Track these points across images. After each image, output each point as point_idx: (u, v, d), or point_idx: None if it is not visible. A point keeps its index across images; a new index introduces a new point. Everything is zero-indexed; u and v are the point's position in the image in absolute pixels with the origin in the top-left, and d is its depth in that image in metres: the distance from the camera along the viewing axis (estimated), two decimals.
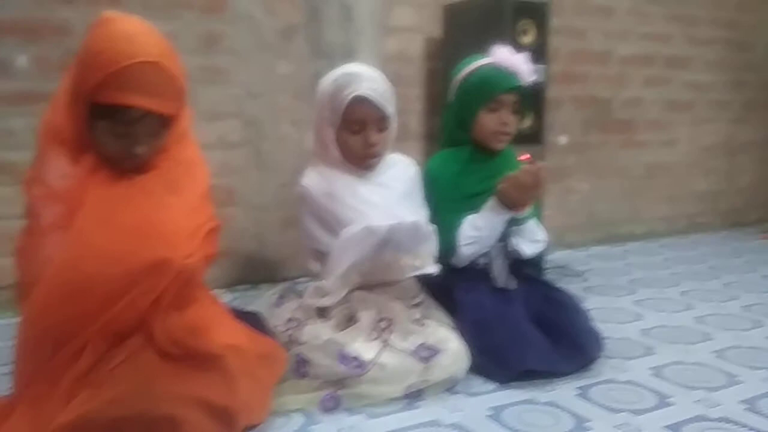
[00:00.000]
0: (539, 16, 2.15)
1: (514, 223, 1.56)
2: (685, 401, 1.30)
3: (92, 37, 1.06)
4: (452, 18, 2.31)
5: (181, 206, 1.14)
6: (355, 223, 1.38)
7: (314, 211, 1.45)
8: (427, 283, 1.50)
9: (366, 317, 1.37)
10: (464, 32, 2.22)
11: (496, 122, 1.58)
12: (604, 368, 1.46)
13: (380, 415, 1.24)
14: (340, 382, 1.28)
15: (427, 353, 1.33)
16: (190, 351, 1.10)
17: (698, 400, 1.31)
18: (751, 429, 1.19)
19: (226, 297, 1.96)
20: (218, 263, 1.26)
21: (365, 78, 1.42)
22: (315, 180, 1.46)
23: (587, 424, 1.21)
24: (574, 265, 2.43)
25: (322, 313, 1.39)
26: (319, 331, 1.34)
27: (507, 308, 1.48)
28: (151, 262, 1.06)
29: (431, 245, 1.44)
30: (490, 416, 1.24)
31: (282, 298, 1.51)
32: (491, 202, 1.53)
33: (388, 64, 1.56)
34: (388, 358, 1.30)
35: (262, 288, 2.11)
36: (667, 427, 1.19)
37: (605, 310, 1.91)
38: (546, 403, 1.29)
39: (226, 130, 2.10)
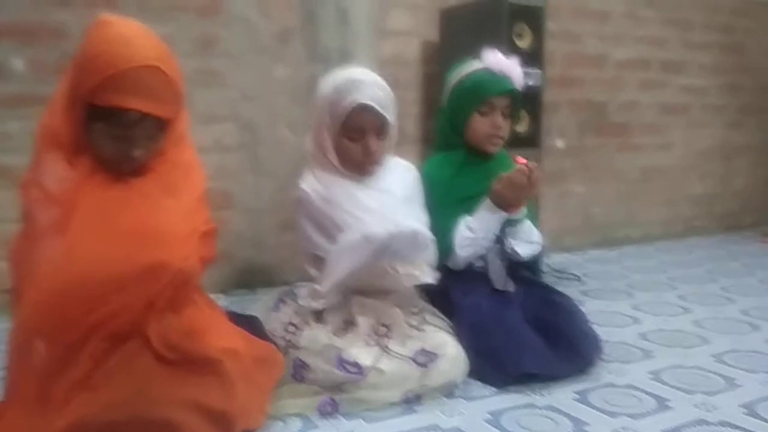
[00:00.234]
0: (535, 20, 2.15)
1: (509, 224, 1.56)
2: (683, 405, 1.30)
3: (90, 39, 1.05)
4: (449, 22, 2.32)
5: (177, 209, 1.14)
6: (353, 230, 1.37)
7: (312, 215, 1.43)
8: (425, 286, 1.49)
9: (364, 323, 1.36)
10: (461, 36, 2.22)
11: (489, 126, 1.60)
12: (603, 372, 1.46)
13: (378, 419, 1.23)
14: (338, 387, 1.28)
15: (426, 359, 1.32)
16: (187, 355, 1.09)
17: (697, 404, 1.30)
18: None
19: (223, 301, 1.95)
20: (215, 267, 1.25)
21: (367, 85, 1.40)
22: (313, 184, 1.44)
23: (586, 428, 1.20)
24: (571, 269, 2.43)
25: (318, 316, 1.38)
26: (317, 336, 1.33)
27: (505, 311, 1.47)
28: (148, 265, 1.05)
29: (430, 254, 1.43)
30: (488, 421, 1.23)
31: (280, 303, 1.50)
32: (485, 203, 1.54)
33: (384, 68, 1.56)
34: (387, 364, 1.29)
35: (259, 292, 2.10)
36: (666, 431, 1.19)
37: (603, 313, 1.91)
38: (545, 407, 1.29)
39: (222, 134, 2.10)
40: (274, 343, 1.33)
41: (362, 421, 1.23)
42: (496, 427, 1.21)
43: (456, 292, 1.50)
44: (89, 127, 1.07)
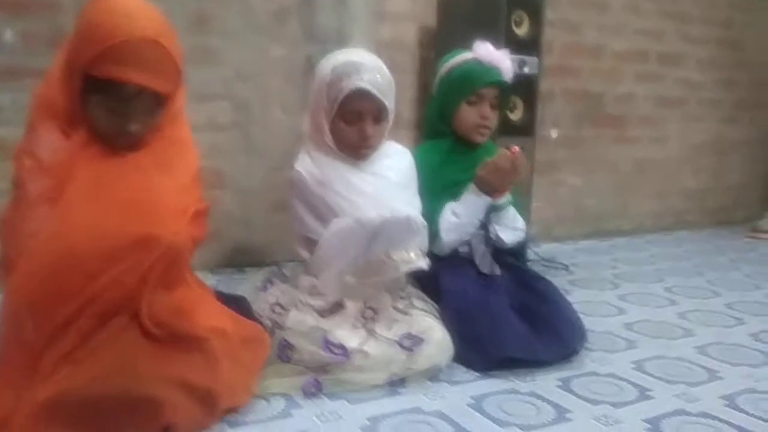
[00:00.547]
0: (534, 8, 2.14)
1: (493, 210, 1.58)
2: (665, 395, 1.31)
3: (91, 10, 1.05)
4: (447, 7, 2.30)
5: (171, 185, 1.14)
6: (346, 214, 1.37)
7: (305, 197, 1.43)
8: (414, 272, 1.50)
9: (352, 306, 1.37)
10: (458, 22, 2.21)
11: (476, 116, 1.62)
12: (586, 361, 1.47)
13: (362, 401, 1.24)
14: (323, 368, 1.28)
15: (411, 343, 1.33)
16: (175, 332, 1.09)
17: (678, 395, 1.32)
18: (729, 425, 1.20)
19: (210, 280, 1.95)
20: (204, 246, 1.25)
21: (367, 69, 1.38)
22: (308, 166, 1.44)
23: (568, 415, 1.22)
24: (560, 258, 2.44)
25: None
26: (303, 318, 1.34)
27: (490, 297, 1.48)
28: (139, 238, 1.05)
29: (423, 240, 1.44)
30: (471, 405, 1.24)
31: (267, 283, 1.51)
32: (470, 188, 1.56)
33: (381, 51, 1.55)
34: (372, 347, 1.30)
35: (247, 272, 2.11)
36: (646, 420, 1.20)
37: (589, 303, 1.92)
38: (527, 394, 1.30)
39: (216, 112, 2.09)
40: (261, 324, 1.34)
41: (346, 402, 1.24)
42: (478, 411, 1.22)
43: (443, 277, 1.51)
44: (86, 99, 1.07)
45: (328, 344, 1.29)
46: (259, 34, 2.11)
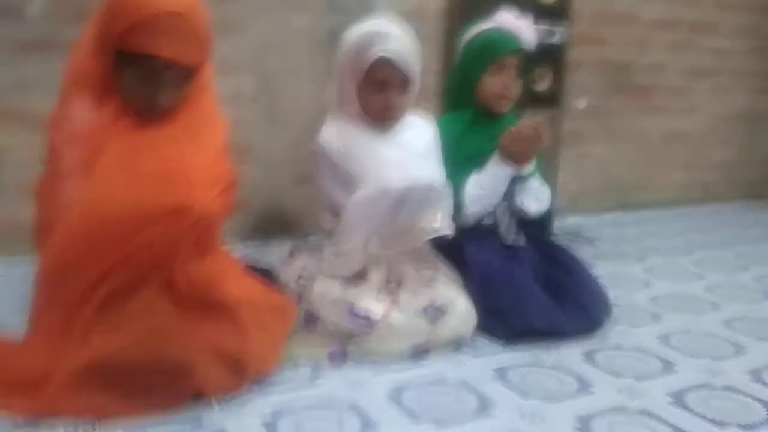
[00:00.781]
0: None
1: (518, 180, 1.57)
2: (689, 369, 1.31)
3: None
4: None
5: (202, 156, 1.15)
6: (370, 182, 1.37)
7: (331, 167, 1.43)
8: (437, 241, 1.50)
9: (376, 276, 1.38)
10: None
11: (499, 86, 1.60)
12: (611, 334, 1.47)
13: (386, 370, 1.26)
14: (347, 338, 1.30)
15: (435, 313, 1.34)
16: (206, 300, 1.12)
17: (703, 369, 1.32)
18: (755, 398, 1.20)
19: (238, 251, 1.98)
20: (231, 217, 1.26)
21: (392, 38, 1.37)
22: (333, 135, 1.44)
23: (591, 387, 1.22)
24: (586, 231, 2.42)
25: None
26: (328, 288, 1.35)
27: (514, 268, 1.48)
28: (171, 207, 1.07)
29: (447, 206, 1.44)
30: (494, 376, 1.26)
31: (293, 254, 1.53)
32: (494, 158, 1.55)
33: (405, 21, 1.53)
34: (397, 317, 1.31)
35: (273, 243, 2.13)
36: (670, 393, 1.21)
37: (615, 276, 1.91)
38: (551, 366, 1.31)
39: (240, 85, 2.08)
40: (288, 294, 1.36)
41: (370, 370, 1.26)
42: (501, 382, 1.23)
43: (467, 249, 1.51)
44: (117, 72, 1.09)
45: (353, 314, 1.30)
46: (282, 5, 2.10)
